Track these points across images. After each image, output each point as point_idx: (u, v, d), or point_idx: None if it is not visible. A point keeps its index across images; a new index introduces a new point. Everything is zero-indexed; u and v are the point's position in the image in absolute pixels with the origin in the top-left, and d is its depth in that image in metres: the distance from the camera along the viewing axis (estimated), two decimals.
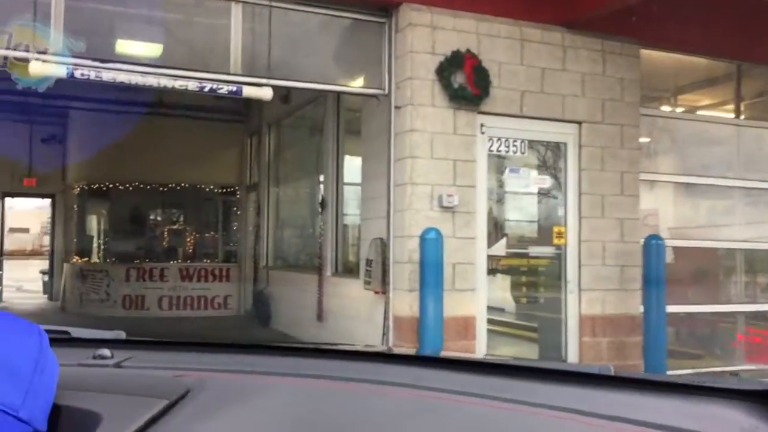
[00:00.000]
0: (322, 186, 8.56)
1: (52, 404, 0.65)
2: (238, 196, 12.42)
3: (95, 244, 12.76)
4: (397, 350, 2.05)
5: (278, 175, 10.56)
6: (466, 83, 5.71)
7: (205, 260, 12.21)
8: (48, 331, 0.72)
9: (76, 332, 1.08)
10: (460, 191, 5.75)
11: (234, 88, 5.31)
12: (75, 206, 12.90)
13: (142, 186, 12.09)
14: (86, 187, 12.43)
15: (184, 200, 12.81)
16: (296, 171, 10.19)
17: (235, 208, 12.59)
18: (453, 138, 5.79)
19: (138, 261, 11.73)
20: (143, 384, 0.82)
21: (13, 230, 29.48)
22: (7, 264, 17.70)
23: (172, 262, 12.03)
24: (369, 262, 6.02)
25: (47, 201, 15.25)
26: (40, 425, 0.61)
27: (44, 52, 4.82)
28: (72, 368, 0.80)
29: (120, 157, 11.31)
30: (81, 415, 0.67)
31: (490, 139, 5.99)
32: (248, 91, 5.33)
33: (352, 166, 7.78)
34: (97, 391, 0.75)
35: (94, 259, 12.43)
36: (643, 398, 0.84)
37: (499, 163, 6.24)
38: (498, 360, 1.34)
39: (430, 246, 5.36)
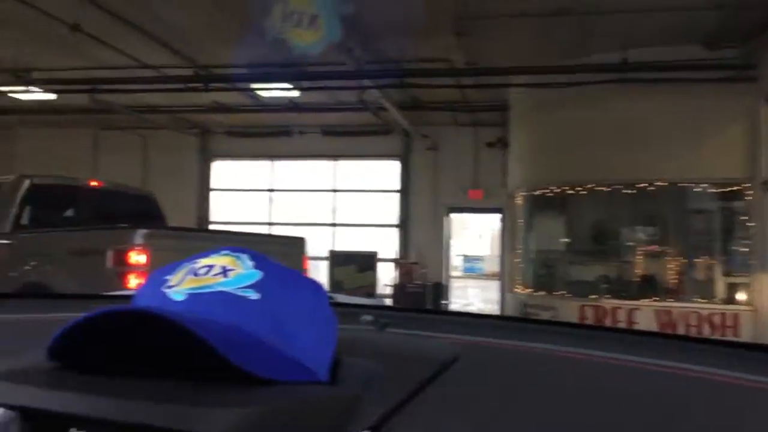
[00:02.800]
0: None
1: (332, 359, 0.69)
2: (745, 199, 8.13)
3: (542, 271, 10.00)
4: None
5: None
6: None
7: (696, 298, 8.24)
8: None
9: (340, 297, 1.15)
10: None
11: None
12: (519, 221, 10.43)
13: (600, 189, 8.84)
14: (529, 195, 9.80)
15: (661, 207, 9.10)
16: None
17: (740, 217, 8.33)
18: None
19: (596, 296, 8.52)
20: (412, 347, 0.85)
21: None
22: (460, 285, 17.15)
23: (643, 300, 8.44)
24: None
25: (497, 216, 13.38)
26: (323, 376, 0.65)
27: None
28: (340, 329, 0.74)
29: (570, 149, 8.44)
30: (359, 371, 0.68)
31: None
32: None
33: None
34: (367, 351, 0.75)
35: (540, 290, 9.65)
36: None
37: None
38: None
39: None
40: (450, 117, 12.22)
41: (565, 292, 9.32)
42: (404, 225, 13.18)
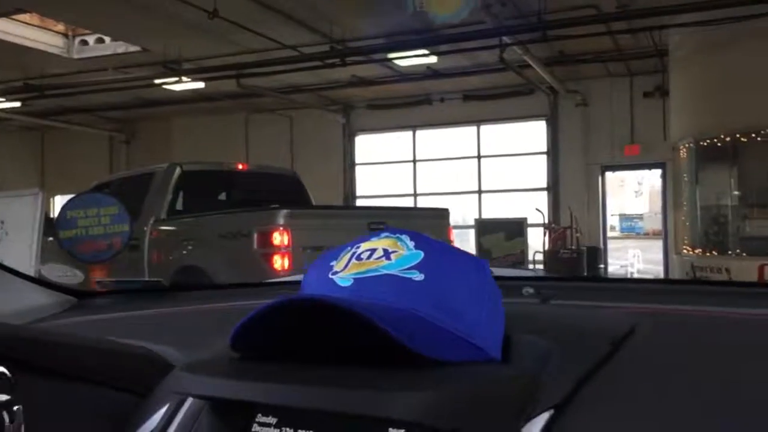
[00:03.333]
0: None
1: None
2: None
3: (712, 229, 9.08)
4: None
5: None
6: None
7: None
8: None
9: (496, 271, 0.92)
10: None
11: None
12: (684, 175, 9.50)
13: None
14: (695, 146, 8.90)
15: None
16: None
17: None
18: None
19: None
20: (582, 320, 0.79)
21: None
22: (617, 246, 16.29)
23: None
24: None
25: (657, 172, 12.39)
26: (495, 353, 0.65)
27: None
28: (503, 304, 0.72)
29: (740, 92, 7.74)
30: (531, 348, 0.65)
31: None
32: None
33: None
34: (535, 327, 0.71)
35: (711, 250, 8.76)
36: None
37: None
38: None
39: None
40: (601, 69, 11.39)
41: (739, 250, 8.40)
42: (554, 188, 12.54)
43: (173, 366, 0.79)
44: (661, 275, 12.25)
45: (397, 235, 0.70)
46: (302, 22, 8.84)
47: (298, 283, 0.73)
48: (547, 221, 11.88)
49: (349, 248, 0.71)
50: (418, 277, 0.65)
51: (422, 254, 0.67)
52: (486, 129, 13.21)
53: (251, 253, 5.10)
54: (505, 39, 8.91)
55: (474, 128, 13.24)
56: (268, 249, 5.01)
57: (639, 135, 11.64)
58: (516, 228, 11.14)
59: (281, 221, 5.04)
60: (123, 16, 8.40)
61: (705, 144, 8.83)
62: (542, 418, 0.57)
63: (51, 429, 0.68)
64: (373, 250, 0.68)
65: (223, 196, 7.08)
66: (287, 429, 0.63)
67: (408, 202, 13.35)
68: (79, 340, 0.78)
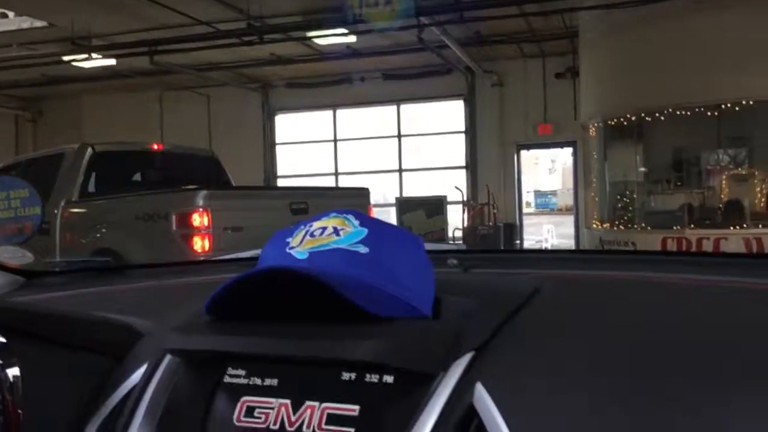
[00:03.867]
0: None
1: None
2: None
3: (619, 204, 9.50)
4: None
5: None
6: None
7: None
8: None
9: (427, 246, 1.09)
10: None
11: None
12: (593, 153, 9.86)
13: (682, 112, 8.21)
14: (603, 125, 9.24)
15: (747, 128, 8.41)
16: None
17: None
18: None
19: (678, 227, 8.03)
20: (496, 283, 0.91)
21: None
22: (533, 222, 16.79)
23: (732, 228, 7.88)
24: None
25: (569, 150, 12.81)
26: (426, 311, 0.75)
27: None
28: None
29: (645, 72, 8.05)
30: (456, 306, 0.77)
31: None
32: None
33: None
34: (458, 290, 0.83)
35: (618, 224, 9.17)
36: None
37: None
38: None
39: None
40: (515, 50, 11.65)
41: (644, 224, 8.83)
42: (472, 166, 12.80)
43: (143, 334, 0.89)
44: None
45: (344, 214, 0.80)
46: None
47: (247, 259, 0.84)
48: (465, 199, 12.13)
49: (302, 227, 0.80)
50: (364, 250, 0.75)
51: (366, 231, 0.77)
52: (406, 108, 13.31)
53: (170, 235, 5.01)
54: (423, 19, 8.98)
55: (394, 107, 13.31)
56: (188, 230, 4.93)
57: (551, 114, 11.98)
58: (436, 206, 11.34)
59: (201, 202, 4.96)
60: None
61: (612, 123, 9.17)
62: (466, 358, 0.69)
63: (41, 389, 0.75)
64: (324, 228, 0.78)
65: (138, 177, 6.88)
66: (255, 379, 0.73)
67: (329, 182, 13.33)
68: (60, 310, 0.86)
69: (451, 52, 10.56)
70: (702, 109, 8.16)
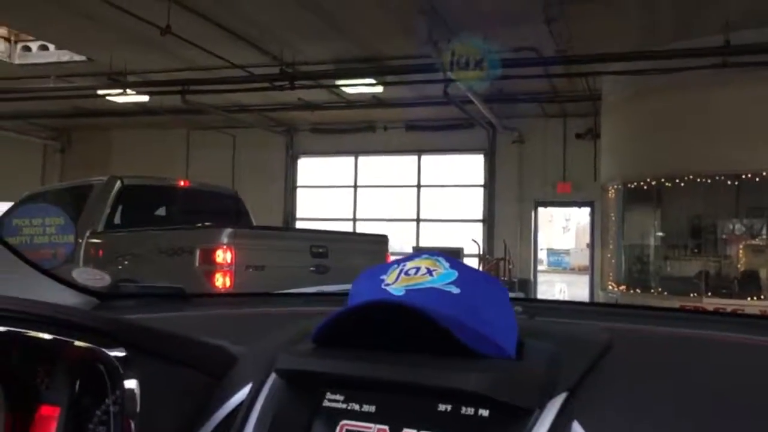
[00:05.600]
0: None
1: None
2: None
3: (635, 267, 9.42)
4: None
5: None
6: None
7: None
8: None
9: None
10: None
11: None
12: (612, 214, 9.85)
13: (701, 180, 8.20)
14: (622, 188, 9.24)
15: (766, 198, 8.38)
16: None
17: None
18: None
19: (695, 294, 7.94)
20: (569, 331, 0.92)
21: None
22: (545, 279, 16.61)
23: (749, 299, 7.78)
24: None
25: (585, 210, 12.78)
26: (511, 353, 0.77)
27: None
28: None
29: (667, 138, 8.10)
30: (539, 348, 0.79)
31: None
32: None
33: None
34: (534, 334, 0.84)
35: (634, 287, 9.08)
36: None
37: None
38: None
39: None
40: (537, 108, 11.77)
41: (661, 289, 8.74)
42: (489, 220, 12.80)
43: (237, 357, 0.94)
44: None
45: (435, 256, 0.83)
46: (253, 43, 8.82)
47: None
48: (482, 252, 12.09)
49: (396, 266, 0.83)
50: (456, 290, 0.79)
51: (457, 273, 0.81)
52: (427, 159, 13.42)
53: (192, 270, 5.02)
54: (448, 74, 9.12)
55: (415, 157, 13.43)
56: (211, 266, 4.94)
57: (570, 173, 12.03)
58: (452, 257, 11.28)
59: (225, 239, 4.99)
60: (70, 24, 8.21)
61: (632, 186, 9.18)
62: (561, 397, 0.72)
63: (150, 402, 0.79)
64: (417, 268, 0.81)
65: (162, 212, 6.94)
66: (353, 405, 0.77)
67: (347, 227, 13.37)
68: (170, 330, 0.92)
69: (474, 107, 10.68)
70: (721, 177, 8.16)
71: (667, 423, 0.70)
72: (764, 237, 8.74)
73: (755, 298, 7.91)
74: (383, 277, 0.81)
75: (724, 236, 8.93)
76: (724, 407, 0.72)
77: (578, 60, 8.65)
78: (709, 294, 8.09)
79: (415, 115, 12.39)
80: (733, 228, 8.86)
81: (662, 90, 8.18)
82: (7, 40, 10.09)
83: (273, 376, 0.83)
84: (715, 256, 8.86)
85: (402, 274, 0.80)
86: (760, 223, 8.85)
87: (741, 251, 8.67)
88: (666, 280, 8.91)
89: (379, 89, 10.46)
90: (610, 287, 9.43)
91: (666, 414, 0.71)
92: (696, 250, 8.98)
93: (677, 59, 7.51)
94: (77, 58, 9.86)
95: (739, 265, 8.64)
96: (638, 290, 8.96)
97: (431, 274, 0.80)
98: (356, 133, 13.41)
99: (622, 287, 9.21)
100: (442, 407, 0.73)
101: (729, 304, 7.78)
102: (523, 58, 8.54)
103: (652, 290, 8.80)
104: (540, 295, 13.81)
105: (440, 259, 0.83)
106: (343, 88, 10.54)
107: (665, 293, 8.53)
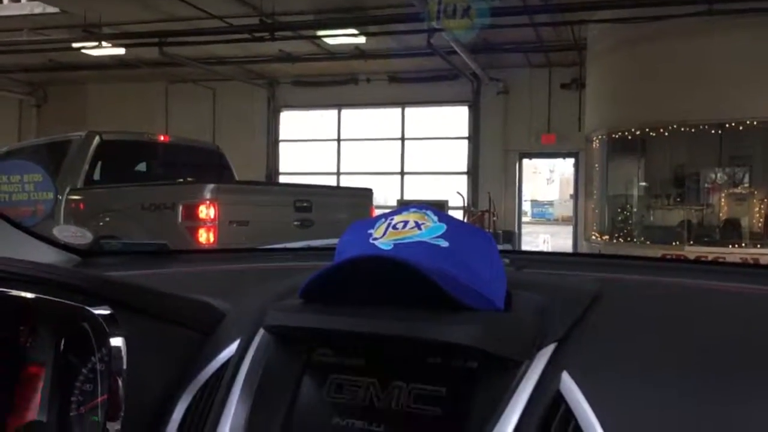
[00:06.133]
0: None
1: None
2: None
3: (618, 217, 9.51)
4: None
5: None
6: None
7: None
8: None
9: None
10: None
11: None
12: (596, 165, 9.88)
13: (685, 129, 8.23)
14: (606, 138, 9.26)
15: (749, 147, 8.43)
16: None
17: None
18: None
19: (677, 242, 8.05)
20: (558, 282, 0.93)
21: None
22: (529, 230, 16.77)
23: (731, 246, 7.90)
24: None
25: (569, 161, 12.82)
26: (500, 304, 0.78)
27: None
28: None
29: (652, 88, 8.05)
30: (528, 300, 0.80)
31: None
32: None
33: None
34: (522, 286, 0.85)
35: (617, 238, 9.18)
36: None
37: None
38: None
39: None
40: (523, 59, 11.67)
41: (643, 238, 8.85)
42: (474, 172, 12.80)
43: (224, 313, 0.93)
44: None
45: (424, 210, 0.82)
46: None
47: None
48: (466, 204, 12.13)
49: (383, 219, 0.82)
50: (444, 244, 0.78)
51: (445, 226, 0.80)
52: (410, 111, 13.32)
53: (175, 226, 4.99)
54: (433, 24, 8.98)
55: (399, 110, 13.32)
56: (194, 222, 4.92)
57: (555, 125, 12.00)
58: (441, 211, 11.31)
59: (208, 195, 4.96)
60: None
61: (616, 136, 9.19)
62: (550, 348, 0.72)
63: (138, 359, 0.79)
64: (405, 222, 0.80)
65: (143, 168, 6.86)
66: (342, 359, 0.78)
67: (331, 181, 13.31)
68: (155, 287, 0.91)
69: (458, 58, 10.57)
70: (705, 126, 8.19)
71: (655, 371, 0.70)
72: (746, 186, 8.84)
73: (736, 246, 8.03)
74: (371, 231, 0.81)
75: (707, 185, 9.02)
76: (710, 355, 0.72)
77: (564, 8, 8.56)
78: (691, 243, 8.20)
79: (398, 66, 12.23)
80: (716, 177, 8.94)
81: (647, 39, 8.13)
82: None
83: (261, 332, 0.83)
84: (697, 205, 8.96)
85: (390, 228, 0.80)
86: (742, 172, 8.93)
87: (723, 200, 8.78)
88: (649, 230, 9.03)
89: (362, 40, 10.30)
90: (594, 237, 9.53)
91: (653, 362, 0.71)
92: (679, 200, 9.08)
93: (663, 6, 7.45)
94: (50, 9, 9.58)
95: (721, 214, 8.75)
96: (621, 240, 9.06)
97: (419, 228, 0.79)
98: (339, 85, 13.24)
99: (605, 237, 9.31)
100: (431, 360, 0.74)
101: (710, 252, 7.91)
102: (509, 6, 8.42)
103: (635, 240, 8.91)
104: (524, 246, 13.95)
105: (428, 212, 0.81)
106: (325, 39, 10.36)
107: (648, 242, 8.64)
